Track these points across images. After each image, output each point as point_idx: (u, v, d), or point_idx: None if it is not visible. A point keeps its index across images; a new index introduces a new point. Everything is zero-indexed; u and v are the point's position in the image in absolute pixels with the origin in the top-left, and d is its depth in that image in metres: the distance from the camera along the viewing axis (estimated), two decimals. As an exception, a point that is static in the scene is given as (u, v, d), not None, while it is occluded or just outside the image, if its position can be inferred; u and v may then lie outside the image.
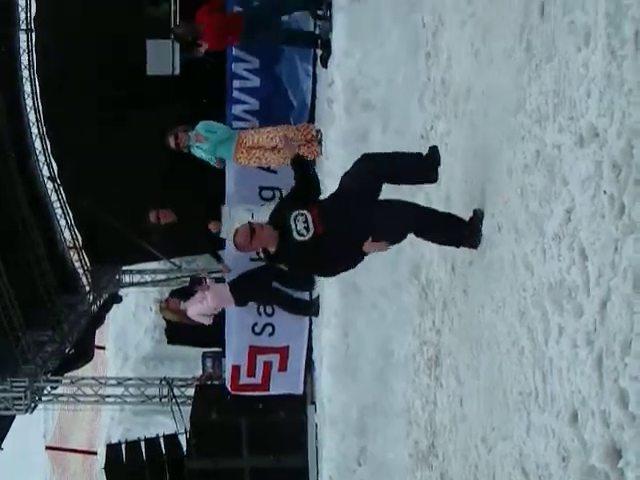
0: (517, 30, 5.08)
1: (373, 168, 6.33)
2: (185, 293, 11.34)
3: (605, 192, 3.49)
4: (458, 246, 6.29)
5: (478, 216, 6.01)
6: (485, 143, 5.93)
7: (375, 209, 6.21)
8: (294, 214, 6.18)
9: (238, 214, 10.85)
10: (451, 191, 7.11)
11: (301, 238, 6.15)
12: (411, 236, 6.40)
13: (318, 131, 10.27)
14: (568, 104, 4.00)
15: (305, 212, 6.18)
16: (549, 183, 4.28)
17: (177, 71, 12.85)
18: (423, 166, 6.55)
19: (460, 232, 6.15)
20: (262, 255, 6.62)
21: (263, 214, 10.86)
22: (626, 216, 3.28)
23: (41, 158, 14.67)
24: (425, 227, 6.28)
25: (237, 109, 11.34)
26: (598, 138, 3.61)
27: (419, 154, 6.64)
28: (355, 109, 8.88)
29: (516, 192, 4.94)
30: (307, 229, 6.15)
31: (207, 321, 10.92)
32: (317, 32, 10.37)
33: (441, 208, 7.37)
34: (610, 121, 3.47)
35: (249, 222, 6.50)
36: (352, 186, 6.33)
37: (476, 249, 6.05)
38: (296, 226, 6.16)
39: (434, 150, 6.54)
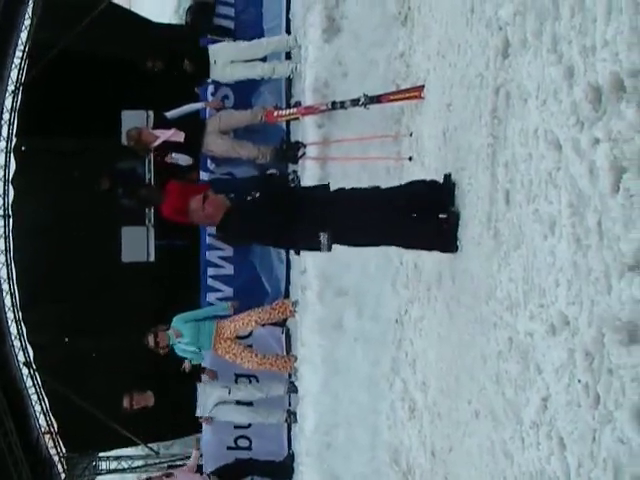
0: (484, 217, 5.16)
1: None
2: None
3: (579, 381, 3.45)
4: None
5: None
6: (459, 329, 5.92)
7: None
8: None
9: (214, 391, 10.76)
10: (427, 377, 7.06)
11: (250, 197, 6.27)
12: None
13: (295, 302, 10.31)
14: (538, 292, 4.01)
15: None
16: (523, 370, 4.24)
17: (152, 257, 12.91)
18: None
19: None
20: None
21: (240, 391, 10.86)
22: (602, 406, 3.23)
23: (16, 343, 14.53)
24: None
25: (211, 297, 11.43)
26: (569, 326, 3.60)
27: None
28: (328, 296, 8.90)
29: (491, 379, 4.89)
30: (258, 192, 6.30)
31: None
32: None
33: (418, 396, 7.32)
34: (580, 309, 3.47)
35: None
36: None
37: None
38: (249, 193, 6.33)
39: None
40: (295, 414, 10.53)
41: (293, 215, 6.16)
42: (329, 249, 6.11)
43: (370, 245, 6.65)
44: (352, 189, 6.44)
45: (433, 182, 6.40)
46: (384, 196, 6.43)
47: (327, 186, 6.69)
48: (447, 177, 6.22)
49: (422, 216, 6.32)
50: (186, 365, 10.61)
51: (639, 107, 2.92)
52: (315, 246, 6.11)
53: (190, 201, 6.66)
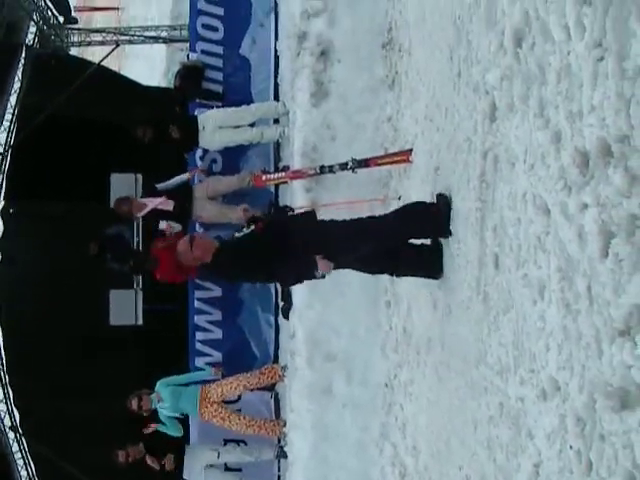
0: (473, 282, 5.14)
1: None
2: None
3: (571, 447, 3.41)
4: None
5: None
6: (449, 393, 5.87)
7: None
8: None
9: (203, 453, 10.65)
10: (417, 441, 6.98)
11: (239, 234, 6.22)
12: None
13: (284, 367, 10.27)
14: (528, 356, 3.98)
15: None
16: (515, 436, 4.20)
17: (140, 320, 12.85)
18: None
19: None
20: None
21: (229, 454, 10.75)
22: (594, 472, 3.19)
23: (2, 407, 14.39)
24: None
25: (200, 361, 11.37)
26: (560, 392, 3.56)
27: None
28: (318, 361, 8.87)
29: (482, 444, 4.83)
30: (247, 229, 6.24)
31: None
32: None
33: (409, 461, 7.23)
34: (570, 375, 3.44)
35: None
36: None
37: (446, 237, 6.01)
38: (238, 232, 6.31)
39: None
40: None
41: (284, 245, 6.12)
42: (324, 275, 6.04)
43: (364, 265, 6.57)
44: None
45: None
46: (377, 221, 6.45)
47: (313, 213, 6.67)
48: (440, 196, 6.17)
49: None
50: (151, 427, 10.44)
51: (626, 172, 2.92)
52: (310, 274, 6.03)
53: (177, 245, 6.60)
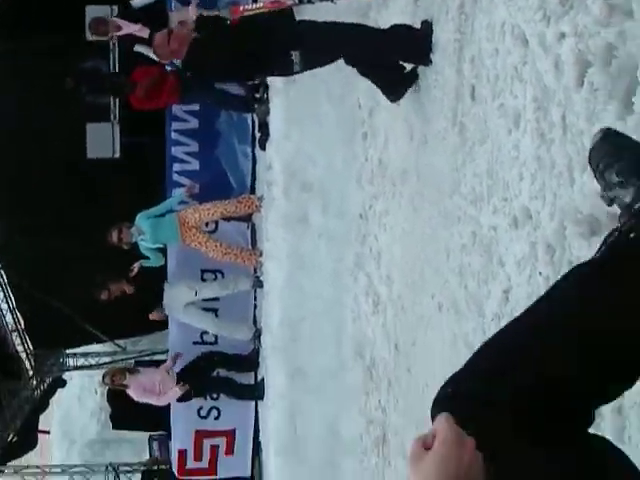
0: (450, 113, 5.16)
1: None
2: None
3: (541, 273, 3.52)
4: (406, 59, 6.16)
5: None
6: (423, 223, 5.97)
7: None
8: None
9: (181, 292, 10.80)
10: (391, 271, 7.13)
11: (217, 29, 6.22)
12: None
13: (260, 198, 10.34)
14: (501, 186, 4.06)
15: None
16: (486, 263, 4.31)
17: (117, 154, 12.80)
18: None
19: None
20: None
21: (207, 291, 10.93)
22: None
23: (-20, 238, 14.46)
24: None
25: (177, 193, 11.38)
26: (531, 220, 3.65)
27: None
28: (294, 191, 8.89)
29: (454, 272, 4.96)
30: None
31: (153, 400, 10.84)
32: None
33: (382, 289, 7.38)
34: (542, 203, 3.52)
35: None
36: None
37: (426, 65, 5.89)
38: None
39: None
40: (260, 333, 10.69)
41: (263, 40, 6.03)
42: (302, 69, 5.97)
43: (340, 56, 6.24)
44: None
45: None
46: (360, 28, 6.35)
47: (290, 10, 6.55)
48: (424, 22, 5.97)
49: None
50: (135, 267, 10.54)
51: (605, 1, 2.92)
52: (289, 69, 5.97)
53: (155, 36, 6.49)
